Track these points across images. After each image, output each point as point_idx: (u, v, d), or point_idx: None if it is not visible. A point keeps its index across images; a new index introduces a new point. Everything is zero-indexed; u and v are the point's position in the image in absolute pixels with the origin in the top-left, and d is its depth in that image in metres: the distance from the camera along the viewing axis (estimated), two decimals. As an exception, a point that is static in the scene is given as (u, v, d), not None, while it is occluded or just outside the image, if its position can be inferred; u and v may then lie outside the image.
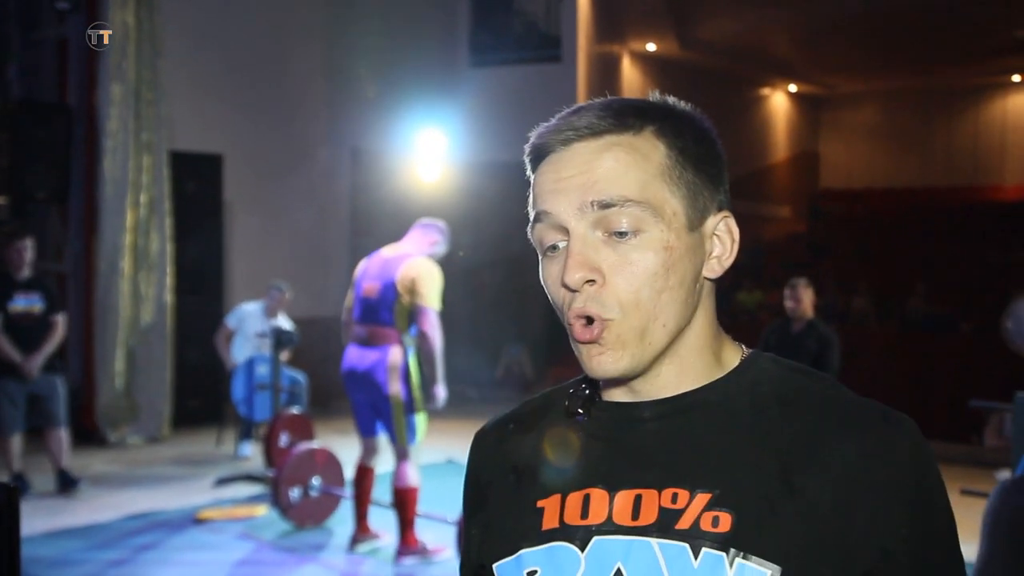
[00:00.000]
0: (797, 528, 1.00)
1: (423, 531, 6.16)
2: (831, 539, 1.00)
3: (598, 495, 1.08)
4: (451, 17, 13.64)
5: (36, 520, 6.52)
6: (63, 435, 7.63)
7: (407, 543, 6.00)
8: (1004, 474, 6.17)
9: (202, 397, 10.21)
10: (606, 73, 13.85)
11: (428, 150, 11.58)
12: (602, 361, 1.06)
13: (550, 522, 1.10)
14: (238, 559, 6.21)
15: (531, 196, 1.12)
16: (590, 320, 1.06)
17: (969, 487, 6.40)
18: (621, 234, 1.05)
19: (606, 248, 1.06)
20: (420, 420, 5.93)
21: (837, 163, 21.34)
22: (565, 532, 1.08)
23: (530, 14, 13.91)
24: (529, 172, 1.13)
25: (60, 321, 7.58)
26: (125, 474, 8.45)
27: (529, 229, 1.11)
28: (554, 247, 1.09)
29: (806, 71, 18.91)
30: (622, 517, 1.06)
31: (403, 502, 5.98)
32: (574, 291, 1.06)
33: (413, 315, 5.95)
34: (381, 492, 6.47)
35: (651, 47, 14.94)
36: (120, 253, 9.53)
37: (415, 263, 5.98)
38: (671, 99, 1.13)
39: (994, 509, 2.50)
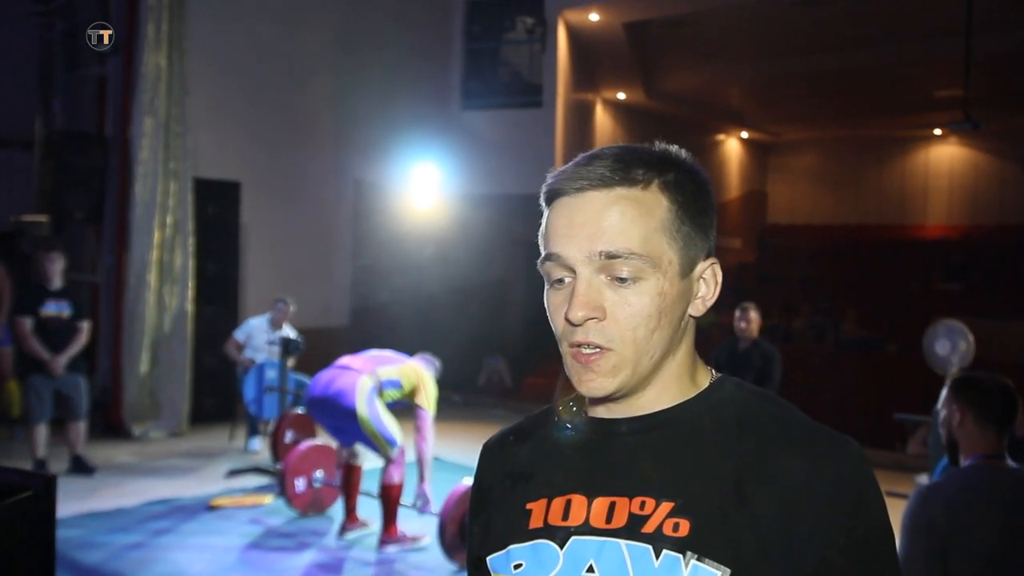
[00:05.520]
0: (746, 535, 1.01)
1: (406, 522, 6.13)
2: (776, 545, 1.00)
3: (578, 500, 1.09)
4: (445, 65, 13.69)
5: (67, 504, 6.45)
6: (81, 427, 7.67)
7: (389, 533, 5.98)
8: (923, 478, 6.20)
9: (217, 397, 10.14)
10: (581, 118, 13.91)
11: (423, 182, 11.61)
12: (593, 385, 1.07)
13: (536, 522, 1.11)
14: (246, 543, 6.17)
15: (543, 232, 1.11)
16: (590, 347, 1.06)
17: (892, 489, 6.43)
18: (622, 280, 1.06)
19: (608, 290, 1.06)
20: (394, 428, 5.81)
21: (782, 201, 21.46)
22: (548, 532, 1.09)
23: (515, 65, 13.97)
24: (543, 208, 1.12)
25: (85, 327, 7.55)
26: (147, 465, 8.38)
27: (539, 262, 1.11)
28: (560, 280, 1.09)
29: (756, 120, 19.05)
30: (597, 520, 1.07)
31: (387, 497, 5.94)
32: (576, 326, 1.06)
33: (404, 397, 5.93)
34: (373, 484, 6.43)
35: (621, 96, 15.01)
36: (147, 267, 9.48)
37: (427, 369, 6.08)
38: (674, 149, 1.13)
39: (912, 513, 2.51)
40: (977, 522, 2.42)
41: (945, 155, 19.38)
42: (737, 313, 7.23)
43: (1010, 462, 2.56)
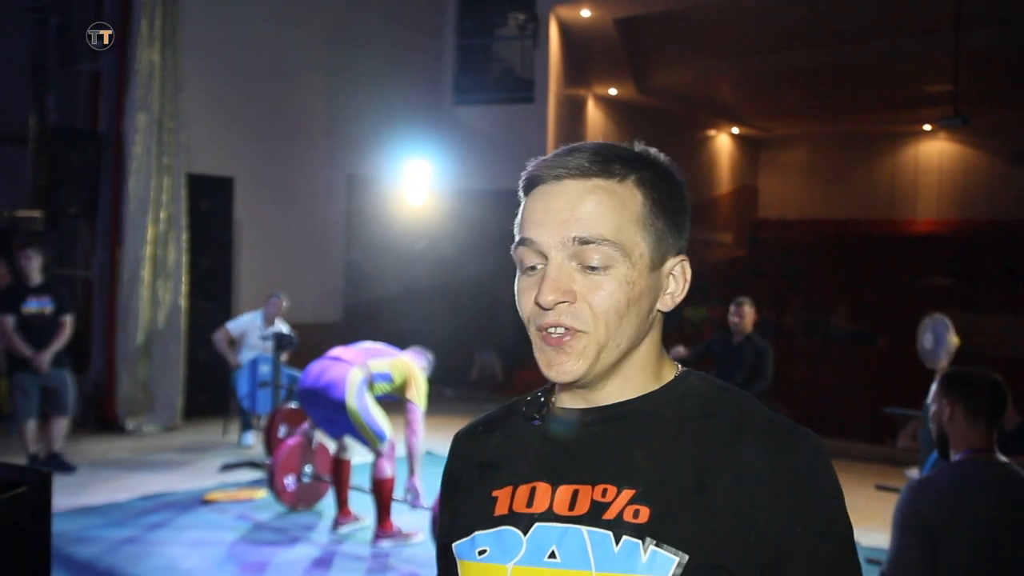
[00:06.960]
0: (705, 522, 1.02)
1: (399, 517, 6.13)
2: (734, 533, 1.02)
3: (543, 488, 1.11)
4: (438, 61, 13.68)
5: (60, 498, 6.43)
6: (64, 423, 7.64)
7: (384, 527, 5.97)
8: (913, 472, 6.22)
9: (211, 391, 10.13)
10: (573, 113, 13.90)
11: (415, 178, 11.60)
12: (564, 367, 1.08)
13: (501, 509, 1.13)
14: (238, 538, 6.16)
15: (519, 219, 1.12)
16: (560, 329, 1.08)
17: (883, 483, 6.45)
18: (593, 267, 1.07)
19: (579, 276, 1.08)
20: (383, 422, 5.80)
21: (773, 196, 21.48)
22: (512, 518, 1.11)
23: (507, 60, 13.96)
24: (521, 196, 1.14)
25: (68, 321, 7.53)
26: (141, 459, 8.37)
27: (513, 248, 1.12)
28: (532, 267, 1.10)
29: (747, 116, 19.06)
30: (561, 507, 1.08)
31: (380, 491, 5.93)
32: (546, 310, 1.08)
33: (394, 391, 5.91)
34: (363, 479, 6.43)
35: (613, 91, 15.00)
36: (141, 263, 9.47)
37: (418, 364, 6.06)
38: (653, 151, 1.15)
39: (904, 507, 2.52)
40: (968, 516, 2.43)
41: (935, 150, 19.42)
42: (732, 308, 7.25)
43: (1000, 456, 2.57)
